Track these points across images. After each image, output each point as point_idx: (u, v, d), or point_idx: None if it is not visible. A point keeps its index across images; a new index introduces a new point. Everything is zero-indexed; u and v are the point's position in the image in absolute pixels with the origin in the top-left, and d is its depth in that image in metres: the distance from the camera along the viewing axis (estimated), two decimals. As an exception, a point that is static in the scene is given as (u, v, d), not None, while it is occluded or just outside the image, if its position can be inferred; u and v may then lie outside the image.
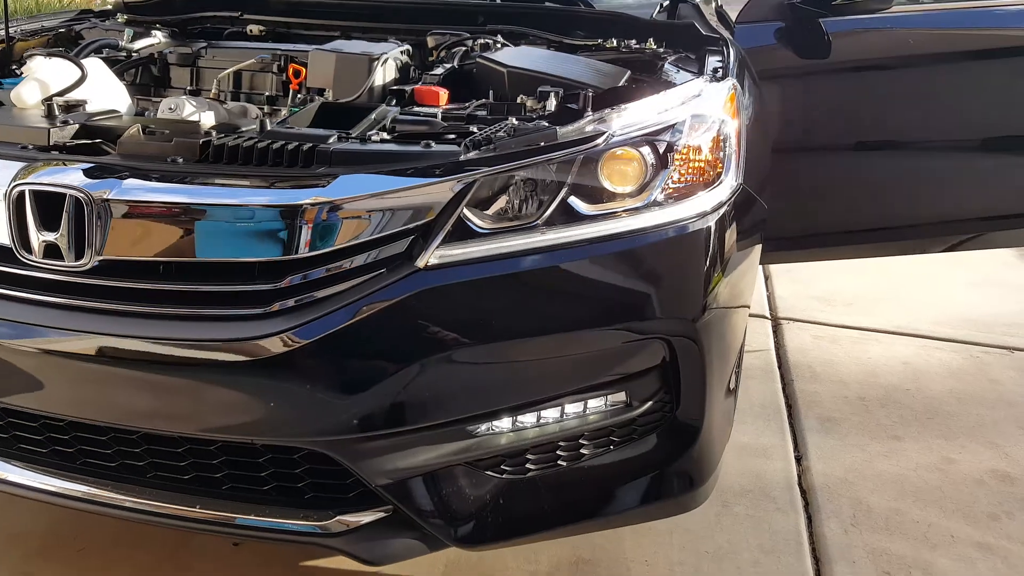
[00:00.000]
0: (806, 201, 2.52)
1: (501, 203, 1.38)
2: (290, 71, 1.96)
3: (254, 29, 2.25)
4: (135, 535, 1.87)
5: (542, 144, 1.37)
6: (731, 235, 1.49)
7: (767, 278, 3.55)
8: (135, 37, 2.20)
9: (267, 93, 2.04)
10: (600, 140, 1.38)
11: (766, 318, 3.17)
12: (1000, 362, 2.89)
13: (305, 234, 1.28)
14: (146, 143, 1.42)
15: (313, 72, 1.91)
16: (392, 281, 1.28)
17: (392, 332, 1.27)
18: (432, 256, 1.30)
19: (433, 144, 1.37)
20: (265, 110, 1.92)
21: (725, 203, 1.48)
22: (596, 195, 1.40)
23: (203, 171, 1.34)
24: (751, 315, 3.13)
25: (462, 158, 1.34)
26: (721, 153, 1.52)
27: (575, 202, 1.38)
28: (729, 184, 1.52)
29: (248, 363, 1.25)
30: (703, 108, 1.54)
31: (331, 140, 1.39)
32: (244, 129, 1.52)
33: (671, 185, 1.43)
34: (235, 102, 1.99)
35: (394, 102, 1.73)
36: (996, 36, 2.54)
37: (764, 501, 2.09)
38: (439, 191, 1.31)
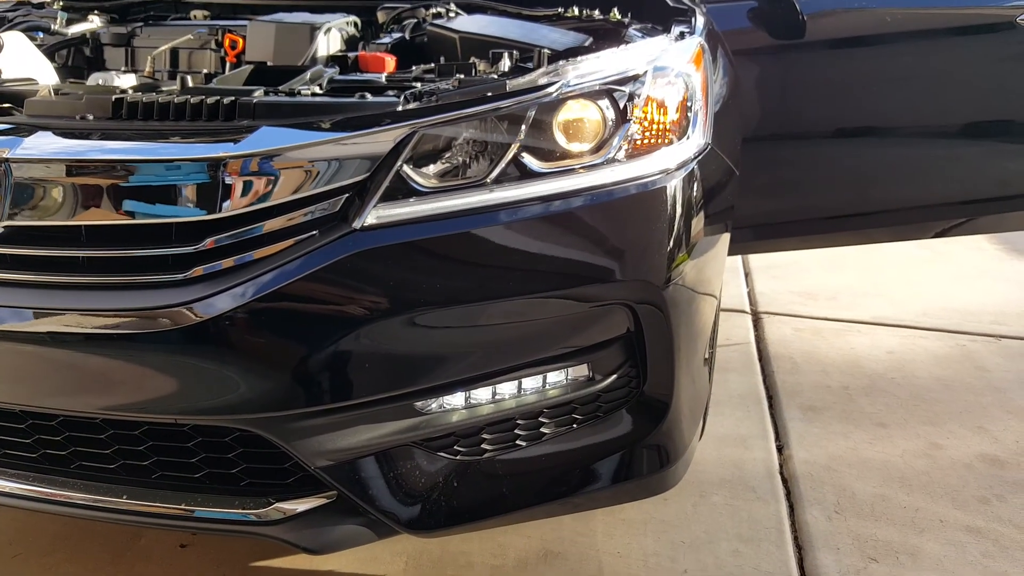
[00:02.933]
0: (785, 188, 2.43)
1: (446, 161, 1.27)
2: (226, 42, 1.85)
3: (198, 14, 2.15)
4: (77, 538, 1.74)
5: (489, 94, 1.27)
6: (698, 196, 1.39)
7: (747, 274, 3.47)
8: (70, 22, 2.09)
9: (205, 71, 1.94)
10: (553, 88, 1.28)
11: (746, 312, 3.08)
12: (987, 349, 2.81)
13: (224, 192, 1.16)
14: (56, 102, 1.30)
15: (252, 44, 1.81)
16: (325, 243, 1.17)
17: (325, 299, 1.16)
18: (369, 216, 1.19)
19: (369, 96, 1.26)
20: (203, 86, 1.82)
21: (691, 160, 1.38)
22: (550, 152, 1.30)
23: (114, 128, 1.22)
24: (729, 310, 3.04)
25: (400, 109, 1.24)
26: (687, 108, 1.42)
27: (527, 159, 1.28)
28: (696, 142, 1.43)
29: (165, 334, 1.13)
30: (667, 61, 1.44)
31: (256, 94, 1.28)
32: (164, 88, 1.41)
33: (633, 139, 1.33)
34: (171, 81, 1.88)
35: (335, 67, 1.63)
36: (975, 14, 2.47)
37: (743, 491, 1.98)
38: (374, 144, 1.20)
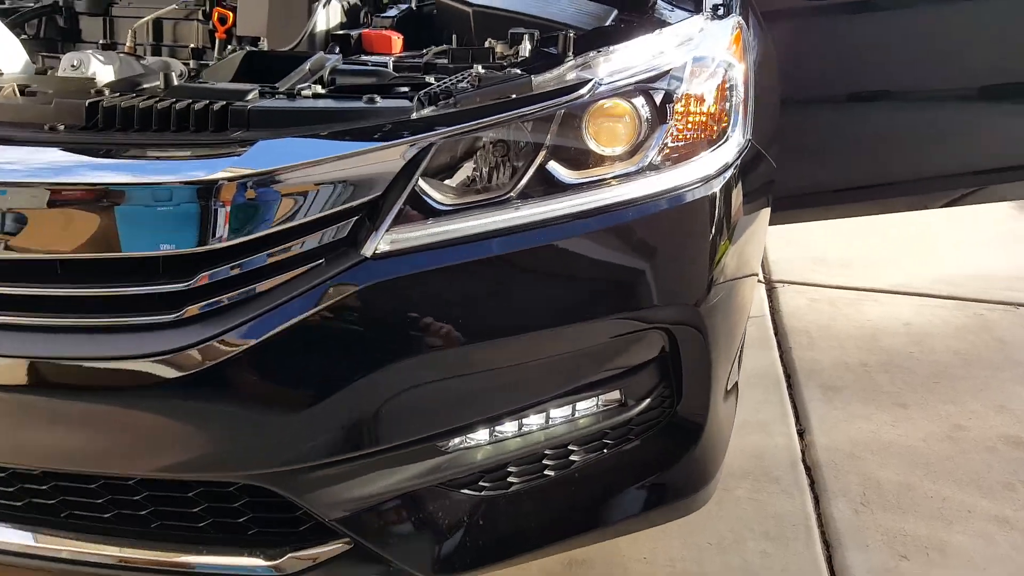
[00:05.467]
0: (796, 158, 2.28)
1: (465, 171, 1.13)
2: (215, 16, 1.67)
3: None
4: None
5: (514, 97, 1.12)
6: (738, 201, 1.26)
7: (759, 238, 3.35)
8: None
9: (192, 45, 1.75)
10: (584, 90, 1.14)
11: (760, 282, 2.98)
12: (1005, 319, 2.73)
13: (217, 219, 1.03)
14: (21, 107, 1.14)
15: (243, 17, 1.62)
16: (333, 275, 1.04)
17: (335, 338, 1.04)
18: (382, 241, 1.06)
19: (378, 99, 1.11)
20: (191, 65, 1.64)
21: (731, 164, 1.25)
22: (581, 158, 1.16)
23: (89, 142, 1.07)
24: (743, 277, 2.94)
25: (415, 116, 1.09)
26: (727, 104, 1.28)
27: (555, 168, 1.15)
28: (736, 141, 1.29)
29: (153, 385, 1.01)
30: (705, 50, 1.29)
31: (250, 96, 1.13)
32: (146, 86, 1.24)
33: (669, 144, 1.20)
34: (155, 57, 1.70)
35: (337, 50, 1.46)
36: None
37: (767, 483, 1.92)
38: (387, 159, 1.06)
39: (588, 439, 1.24)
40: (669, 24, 1.41)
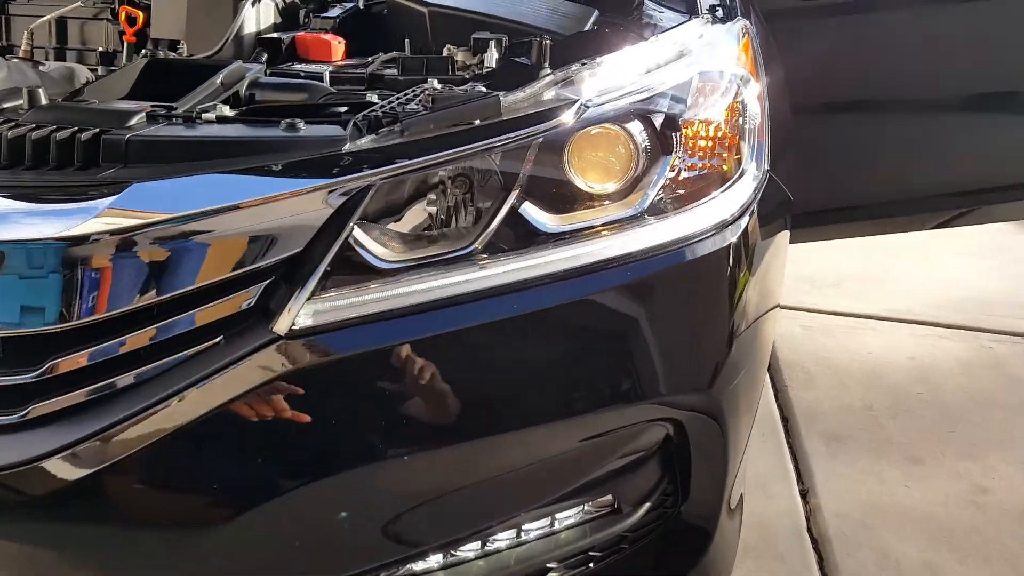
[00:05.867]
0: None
1: (416, 216, 0.87)
2: (122, 16, 1.39)
3: None
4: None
5: (477, 124, 0.87)
6: (759, 249, 1.02)
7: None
8: None
9: (101, 48, 1.48)
10: (568, 115, 0.89)
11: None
12: (1014, 352, 2.53)
13: (72, 289, 0.75)
14: None
15: (158, 17, 1.35)
16: (232, 360, 0.78)
17: (232, 453, 0.77)
18: (302, 313, 0.80)
19: (302, 125, 0.85)
20: (99, 72, 1.36)
21: (749, 206, 1.01)
22: (563, 199, 0.91)
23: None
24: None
25: (348, 148, 0.83)
26: (741, 128, 1.03)
27: (531, 211, 0.89)
28: (753, 174, 1.04)
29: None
30: (712, 62, 1.05)
31: (134, 121, 0.85)
32: (5, 106, 0.96)
33: (673, 181, 0.95)
34: (59, 62, 1.42)
35: (264, 57, 1.20)
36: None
37: (770, 559, 1.68)
38: (309, 206, 0.80)
39: (571, 555, 0.98)
40: (662, 29, 1.17)
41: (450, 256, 0.85)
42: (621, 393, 0.88)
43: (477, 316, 0.84)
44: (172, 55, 1.29)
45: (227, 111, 0.91)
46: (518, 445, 0.85)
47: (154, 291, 0.77)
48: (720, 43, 1.12)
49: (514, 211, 0.88)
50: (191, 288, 0.78)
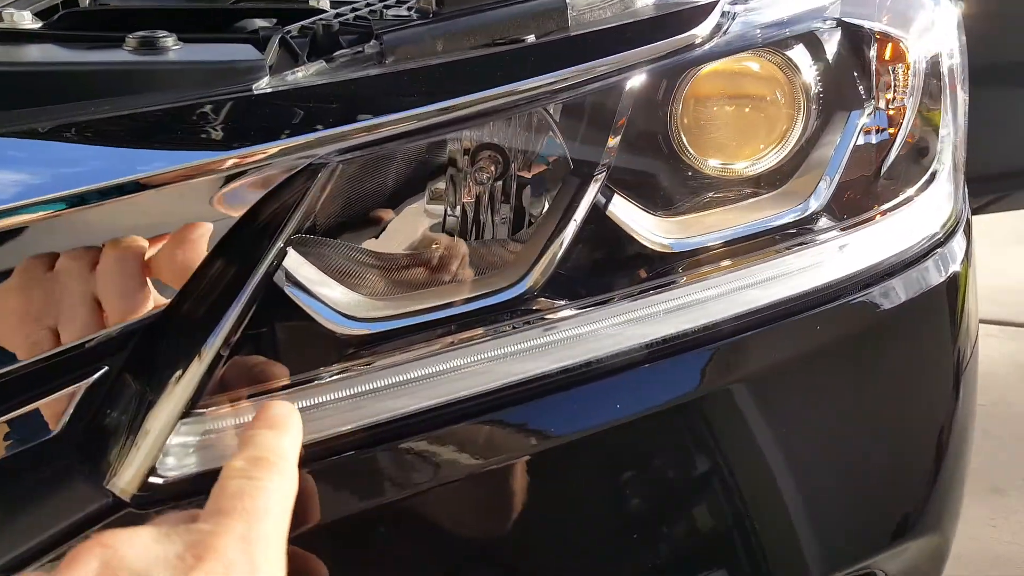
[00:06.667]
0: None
1: (407, 227, 0.45)
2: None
3: None
4: None
5: (529, 41, 0.43)
6: (972, 282, 0.61)
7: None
8: None
9: None
10: (703, 28, 0.46)
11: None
12: (1078, 351, 2.21)
13: None
14: None
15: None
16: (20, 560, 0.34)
17: None
18: (170, 447, 0.36)
19: (171, 43, 0.40)
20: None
21: (961, 206, 0.60)
22: (674, 189, 0.48)
23: None
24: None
25: (265, 86, 0.39)
26: (950, 90, 0.62)
27: (629, 215, 0.46)
28: (949, 158, 0.63)
29: None
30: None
31: None
32: None
33: (866, 162, 0.53)
34: None
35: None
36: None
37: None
38: (182, 210, 0.36)
39: None
40: None
41: (483, 305, 0.43)
42: (822, 558, 0.47)
43: (548, 434, 0.41)
44: None
45: (27, 18, 0.46)
46: None
47: None
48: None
49: (599, 213, 0.45)
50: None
